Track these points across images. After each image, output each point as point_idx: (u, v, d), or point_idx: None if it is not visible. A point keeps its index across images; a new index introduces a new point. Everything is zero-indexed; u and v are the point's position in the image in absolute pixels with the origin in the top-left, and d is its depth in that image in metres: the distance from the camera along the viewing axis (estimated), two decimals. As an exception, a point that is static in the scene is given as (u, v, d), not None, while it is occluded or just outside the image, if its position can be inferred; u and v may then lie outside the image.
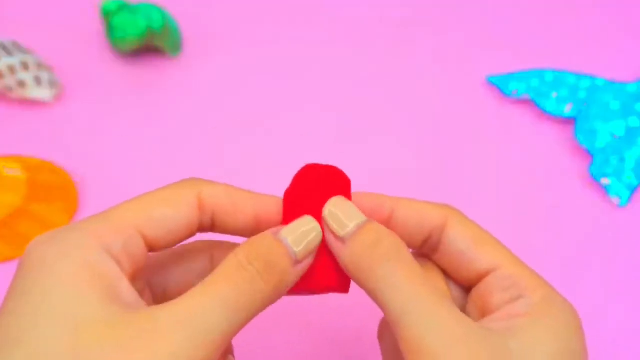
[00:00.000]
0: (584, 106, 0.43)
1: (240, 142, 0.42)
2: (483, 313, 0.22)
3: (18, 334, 0.18)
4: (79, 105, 0.44)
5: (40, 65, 0.43)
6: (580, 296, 0.36)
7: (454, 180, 0.41)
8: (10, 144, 0.42)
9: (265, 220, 0.23)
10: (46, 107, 0.44)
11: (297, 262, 0.21)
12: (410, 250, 0.22)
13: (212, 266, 0.24)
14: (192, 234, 0.23)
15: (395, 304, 0.20)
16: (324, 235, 0.22)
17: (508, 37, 0.49)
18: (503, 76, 0.45)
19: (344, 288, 0.23)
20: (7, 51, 0.42)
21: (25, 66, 0.42)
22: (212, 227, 0.23)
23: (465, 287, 0.24)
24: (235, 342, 0.25)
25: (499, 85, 0.45)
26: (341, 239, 0.21)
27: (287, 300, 0.25)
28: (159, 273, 0.23)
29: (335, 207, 0.22)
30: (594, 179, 0.40)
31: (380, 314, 0.35)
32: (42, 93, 0.43)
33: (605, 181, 0.40)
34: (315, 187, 0.23)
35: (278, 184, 0.40)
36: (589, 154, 0.42)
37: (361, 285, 0.21)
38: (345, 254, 0.21)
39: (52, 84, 0.43)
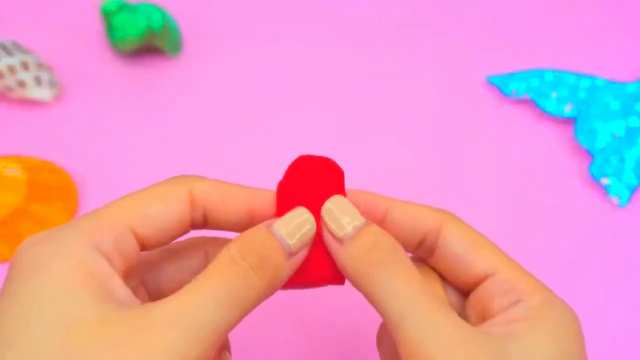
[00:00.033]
0: (584, 106, 0.43)
1: (240, 142, 0.42)
2: (482, 317, 0.22)
3: (10, 335, 0.18)
4: (79, 105, 0.44)
5: (40, 65, 0.43)
6: (580, 296, 0.36)
7: (454, 180, 0.41)
8: (10, 144, 0.42)
9: (259, 214, 0.23)
10: (46, 107, 0.44)
11: (291, 254, 0.21)
12: (408, 254, 0.22)
13: (206, 262, 0.24)
14: (184, 231, 0.22)
15: (393, 308, 0.20)
16: (318, 227, 0.22)
17: (508, 37, 0.49)
18: (503, 76, 0.45)
19: (339, 280, 0.23)
20: (7, 51, 0.42)
21: (25, 66, 0.42)
22: (205, 223, 0.23)
23: (462, 291, 0.24)
24: (231, 337, 0.25)
25: (499, 85, 0.45)
26: (339, 240, 0.21)
27: (282, 295, 0.25)
28: (153, 271, 0.23)
29: (334, 206, 0.22)
30: (594, 179, 0.40)
31: (375, 312, 0.35)
32: (42, 93, 0.43)
33: (605, 181, 0.40)
34: (308, 178, 0.23)
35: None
36: (589, 154, 0.42)
37: (359, 288, 0.21)
38: (343, 256, 0.21)
39: (52, 84, 0.43)
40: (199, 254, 0.24)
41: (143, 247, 0.21)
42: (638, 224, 0.39)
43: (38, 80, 0.43)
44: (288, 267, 0.21)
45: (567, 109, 0.43)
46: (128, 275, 0.21)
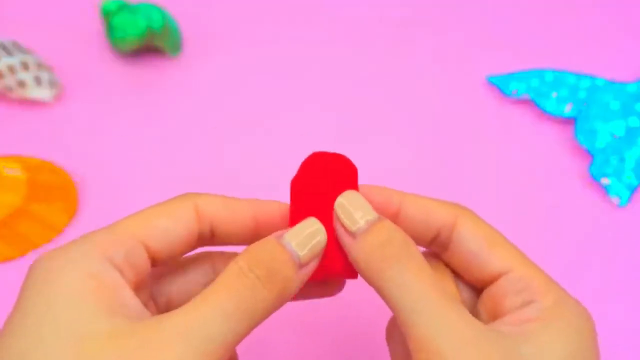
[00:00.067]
0: (584, 106, 0.43)
1: (240, 142, 0.42)
2: (493, 315, 0.22)
3: (24, 347, 0.18)
4: (79, 105, 0.44)
5: (40, 65, 0.43)
6: (580, 296, 0.36)
7: (454, 180, 0.41)
8: (10, 144, 0.42)
9: (266, 226, 0.23)
10: (46, 107, 0.44)
11: (301, 266, 0.21)
12: (420, 249, 0.22)
13: (214, 275, 0.24)
14: (192, 246, 0.23)
15: (405, 303, 0.20)
16: (331, 225, 0.22)
17: (508, 37, 0.49)
18: (503, 76, 0.45)
19: (352, 274, 0.23)
20: (7, 51, 0.42)
21: (25, 66, 0.42)
22: (212, 238, 0.23)
23: (475, 288, 0.24)
24: (238, 349, 0.25)
25: (499, 85, 0.45)
26: (352, 234, 0.21)
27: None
28: (161, 284, 0.24)
29: (347, 201, 0.22)
30: (594, 179, 0.40)
31: (379, 311, 0.35)
32: (42, 93, 0.43)
33: (605, 181, 0.40)
34: (322, 174, 0.23)
35: (278, 184, 0.40)
36: (589, 154, 0.42)
37: (370, 282, 0.21)
38: (356, 250, 0.21)
39: (52, 84, 0.43)
40: (206, 267, 0.24)
41: (153, 261, 0.22)
42: (638, 224, 0.39)
43: (38, 80, 0.43)
44: (298, 279, 0.21)
45: (567, 109, 0.43)
46: (139, 288, 0.21)
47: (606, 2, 0.51)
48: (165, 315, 0.19)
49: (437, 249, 0.24)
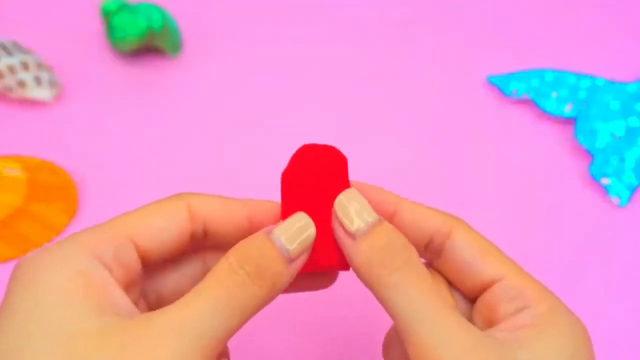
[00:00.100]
0: (584, 106, 0.43)
1: (240, 142, 0.42)
2: (489, 323, 0.22)
3: (12, 348, 0.18)
4: (79, 105, 0.44)
5: (40, 65, 0.43)
6: (580, 296, 0.36)
7: (454, 180, 0.41)
8: (10, 144, 0.42)
9: (260, 225, 0.23)
10: (46, 107, 0.44)
11: (291, 260, 0.21)
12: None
13: (204, 270, 0.24)
14: (184, 246, 0.23)
15: (405, 311, 0.20)
16: (322, 216, 0.22)
17: (508, 37, 0.49)
18: (503, 76, 0.45)
19: (344, 266, 0.23)
20: (7, 51, 0.42)
21: (25, 66, 0.42)
22: (205, 237, 0.23)
23: (468, 297, 0.24)
24: (229, 343, 0.25)
25: (499, 85, 0.45)
26: (351, 235, 0.21)
27: (281, 295, 0.25)
28: (152, 280, 0.23)
29: (346, 200, 0.22)
30: (594, 179, 0.40)
31: (376, 311, 0.35)
32: (42, 93, 0.43)
33: (605, 181, 0.40)
34: (313, 166, 0.23)
35: (278, 184, 0.40)
36: (589, 154, 0.42)
37: (368, 286, 0.21)
38: (354, 252, 0.21)
39: (52, 84, 0.43)
40: (197, 262, 0.24)
41: (144, 260, 0.22)
42: (638, 224, 0.39)
43: (38, 80, 0.43)
44: (288, 274, 0.21)
45: (567, 109, 0.43)
46: (129, 287, 0.21)
47: (606, 2, 0.51)
48: (156, 312, 0.19)
49: (429, 257, 0.24)
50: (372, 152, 0.42)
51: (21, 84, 0.42)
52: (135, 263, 0.21)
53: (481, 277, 0.22)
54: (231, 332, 0.19)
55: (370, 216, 0.21)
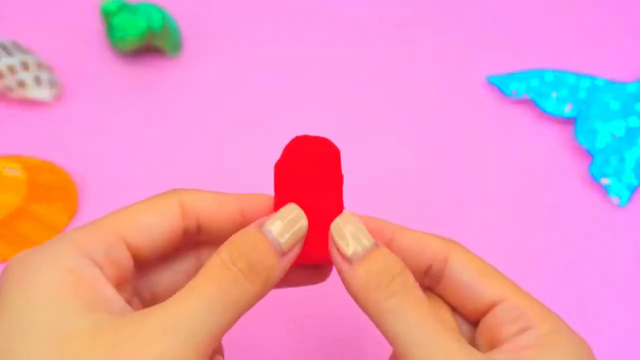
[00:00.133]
0: (584, 106, 0.43)
1: (240, 142, 0.42)
2: (491, 345, 0.22)
3: (3, 348, 0.18)
4: (79, 105, 0.44)
5: (40, 65, 0.43)
6: (581, 296, 0.36)
7: (454, 180, 0.41)
8: (10, 144, 0.42)
9: (253, 218, 0.23)
10: (46, 107, 0.44)
11: (283, 253, 0.21)
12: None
13: (198, 264, 0.24)
14: (177, 242, 0.22)
15: (404, 336, 0.20)
16: (313, 206, 0.22)
17: (508, 37, 0.49)
18: (503, 76, 0.45)
19: None
20: (7, 51, 0.42)
21: (25, 66, 0.42)
22: (199, 233, 0.23)
23: (471, 320, 0.24)
24: (224, 340, 0.25)
25: (499, 85, 0.45)
26: (347, 259, 0.21)
27: (274, 294, 0.25)
28: (146, 276, 0.23)
29: (343, 223, 0.22)
30: (594, 179, 0.40)
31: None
32: (42, 93, 0.43)
33: (605, 181, 0.40)
34: (305, 158, 0.23)
35: (278, 184, 0.40)
36: (589, 154, 0.42)
37: (364, 310, 0.21)
38: (351, 276, 0.21)
39: (52, 84, 0.43)
40: (191, 258, 0.24)
41: (136, 257, 0.21)
42: (638, 224, 0.39)
43: (38, 80, 0.43)
44: (280, 267, 0.21)
45: (567, 109, 0.43)
46: (121, 285, 0.21)
47: (606, 2, 0.51)
48: (149, 309, 0.19)
49: (429, 283, 0.24)
50: (372, 152, 0.42)
51: (21, 84, 0.42)
52: (126, 260, 0.21)
53: (482, 299, 0.22)
54: (225, 329, 0.19)
55: (367, 240, 0.21)
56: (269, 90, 0.45)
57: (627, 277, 0.37)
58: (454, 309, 0.24)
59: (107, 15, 0.44)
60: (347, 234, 0.21)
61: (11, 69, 0.42)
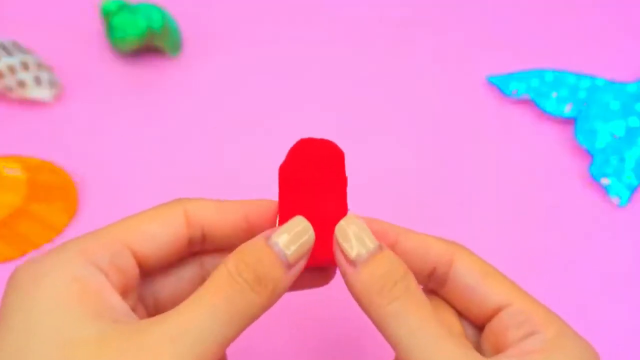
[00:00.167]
0: (584, 106, 0.43)
1: (240, 142, 0.42)
2: (497, 349, 0.22)
3: (8, 355, 0.18)
4: (79, 105, 0.44)
5: (40, 65, 0.43)
6: (581, 296, 0.36)
7: (454, 180, 0.41)
8: (10, 144, 0.42)
9: (260, 225, 0.23)
10: (46, 107, 0.44)
11: (290, 266, 0.21)
12: (420, 286, 0.22)
13: (202, 271, 0.24)
14: (182, 251, 0.23)
15: (407, 340, 0.20)
16: (318, 211, 0.22)
17: (508, 37, 0.49)
18: (503, 76, 0.45)
19: None
20: (7, 51, 0.42)
21: (25, 66, 0.42)
22: (204, 242, 0.23)
23: (477, 324, 0.23)
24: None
25: (499, 85, 0.45)
26: (352, 263, 0.21)
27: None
28: (149, 283, 0.23)
29: (348, 225, 0.22)
30: (594, 179, 0.40)
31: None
32: (42, 93, 0.43)
33: (605, 181, 0.40)
34: (310, 160, 0.23)
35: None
36: (589, 154, 0.42)
37: (367, 313, 0.21)
38: (354, 279, 0.21)
39: (52, 84, 0.43)
40: (195, 265, 0.24)
41: (141, 266, 0.22)
42: (638, 224, 0.39)
43: (38, 80, 0.43)
44: (286, 279, 0.21)
45: (567, 109, 0.43)
46: (127, 293, 0.21)
47: (606, 2, 0.51)
48: (155, 318, 0.19)
49: (434, 286, 0.24)
50: (372, 152, 0.42)
51: (21, 84, 0.42)
52: (132, 269, 0.21)
53: (488, 303, 0.22)
54: (230, 339, 0.19)
55: (371, 242, 0.21)
56: (269, 90, 0.45)
57: (627, 277, 0.37)
58: (460, 313, 0.24)
59: (107, 15, 0.44)
60: (351, 236, 0.21)
61: (11, 69, 0.42)
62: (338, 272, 0.25)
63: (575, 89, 0.44)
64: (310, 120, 0.44)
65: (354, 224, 0.22)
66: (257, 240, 0.21)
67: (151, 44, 0.45)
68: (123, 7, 0.44)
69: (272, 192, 0.40)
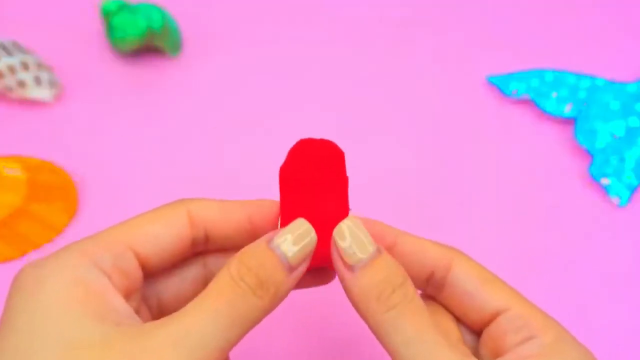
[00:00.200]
0: (584, 106, 0.43)
1: (240, 142, 0.42)
2: (495, 354, 0.22)
3: (11, 357, 0.18)
4: (79, 105, 0.44)
5: (40, 65, 0.43)
6: (581, 296, 0.36)
7: (454, 180, 0.41)
8: (10, 144, 0.42)
9: (262, 225, 0.23)
10: (46, 107, 0.44)
11: (291, 269, 0.21)
12: (418, 292, 0.22)
13: (205, 272, 0.24)
14: (185, 252, 0.23)
15: (405, 347, 0.20)
16: (319, 212, 0.22)
17: (508, 37, 0.49)
18: (503, 76, 0.45)
19: None
20: (7, 51, 0.42)
21: (25, 66, 0.42)
22: (207, 242, 0.23)
23: (475, 329, 0.23)
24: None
25: (499, 85, 0.45)
26: (350, 267, 0.21)
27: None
28: (153, 285, 0.23)
29: (347, 229, 0.21)
30: (594, 179, 0.40)
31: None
32: (42, 93, 0.43)
33: (605, 181, 0.40)
34: (310, 160, 0.23)
35: (278, 184, 0.40)
36: (589, 154, 0.42)
37: (365, 320, 0.21)
38: (352, 284, 0.21)
39: (52, 84, 0.43)
40: (198, 265, 0.24)
41: (144, 267, 0.21)
42: (638, 224, 0.39)
43: (38, 80, 0.43)
44: (289, 283, 0.21)
45: (567, 109, 0.43)
46: (130, 294, 0.21)
47: (606, 2, 0.51)
48: (158, 322, 0.19)
49: (432, 291, 0.24)
50: (372, 152, 0.42)
51: (21, 84, 0.42)
52: (135, 270, 0.21)
53: (486, 308, 0.22)
54: (233, 343, 0.19)
55: (370, 245, 0.21)
56: (269, 90, 0.45)
57: (627, 277, 0.37)
58: (458, 319, 0.24)
59: (107, 15, 0.44)
60: (350, 240, 0.21)
61: (11, 69, 0.42)
62: None
63: (575, 89, 0.44)
64: (310, 120, 0.44)
65: (352, 227, 0.21)
66: (259, 244, 0.21)
67: (151, 44, 0.45)
68: (123, 7, 0.44)
69: (272, 192, 0.41)
